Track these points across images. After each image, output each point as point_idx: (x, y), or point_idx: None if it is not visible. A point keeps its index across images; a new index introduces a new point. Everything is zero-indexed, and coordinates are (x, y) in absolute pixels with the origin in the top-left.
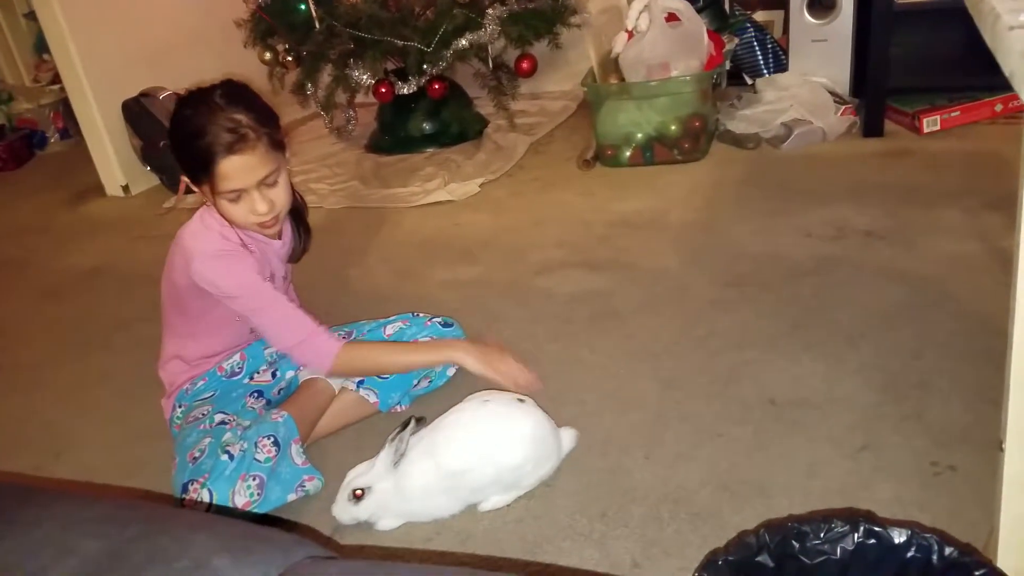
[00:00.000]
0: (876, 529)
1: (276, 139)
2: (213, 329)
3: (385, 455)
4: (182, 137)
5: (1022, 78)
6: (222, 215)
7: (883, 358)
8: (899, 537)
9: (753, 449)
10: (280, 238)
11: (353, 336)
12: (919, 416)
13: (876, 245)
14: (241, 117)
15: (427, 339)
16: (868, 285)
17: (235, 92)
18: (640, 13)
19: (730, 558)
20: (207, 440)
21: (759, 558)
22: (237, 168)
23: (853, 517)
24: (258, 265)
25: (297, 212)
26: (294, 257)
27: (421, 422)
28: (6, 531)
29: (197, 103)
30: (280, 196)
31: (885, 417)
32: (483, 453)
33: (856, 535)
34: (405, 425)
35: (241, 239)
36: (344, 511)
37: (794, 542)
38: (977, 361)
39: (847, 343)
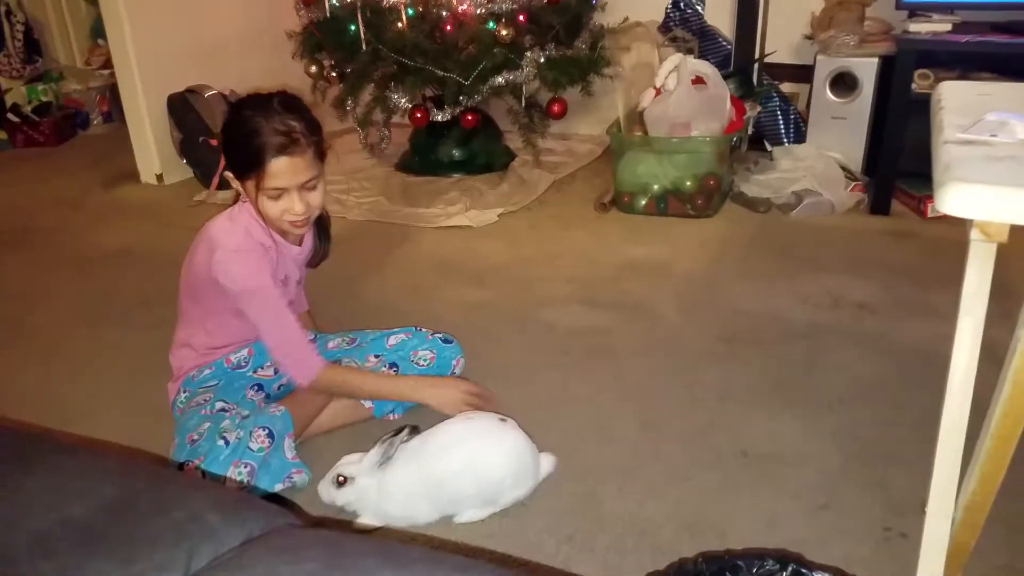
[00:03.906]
0: (803, 571)
1: (321, 148)
2: (225, 323)
3: (374, 454)
4: (239, 134)
5: (939, 185)
6: (258, 210)
7: (858, 425)
8: None
9: (719, 495)
10: (300, 244)
11: (357, 342)
12: (882, 484)
13: (868, 318)
14: (295, 124)
15: (428, 351)
16: (855, 355)
17: (291, 101)
18: (670, 73)
19: None
20: (207, 425)
21: None
22: (285, 168)
23: (784, 557)
24: (273, 267)
25: (320, 220)
26: (313, 262)
27: (414, 431)
28: (34, 470)
29: (256, 106)
30: (316, 200)
31: (850, 481)
32: (467, 464)
33: (785, 573)
34: (398, 431)
35: (263, 240)
36: (326, 490)
37: (728, 574)
38: None
39: (826, 407)
